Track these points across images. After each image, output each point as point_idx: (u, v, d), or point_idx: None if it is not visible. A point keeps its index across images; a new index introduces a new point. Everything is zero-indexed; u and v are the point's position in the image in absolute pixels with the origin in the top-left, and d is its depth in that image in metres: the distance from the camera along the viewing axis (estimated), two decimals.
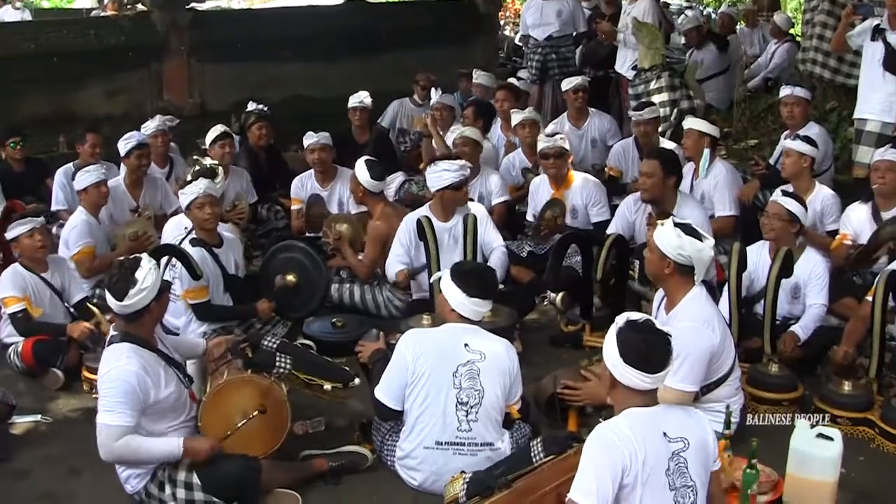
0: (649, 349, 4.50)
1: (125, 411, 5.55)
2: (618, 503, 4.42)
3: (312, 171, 10.57)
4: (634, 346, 4.51)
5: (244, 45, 14.42)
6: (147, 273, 5.74)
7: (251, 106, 12.00)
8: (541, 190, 9.91)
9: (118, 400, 5.56)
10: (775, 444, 6.11)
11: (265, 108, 11.91)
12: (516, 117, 11.11)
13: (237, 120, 12.39)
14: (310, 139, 10.45)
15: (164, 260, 7.56)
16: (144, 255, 5.96)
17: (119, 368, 5.64)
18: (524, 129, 10.93)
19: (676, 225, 6.11)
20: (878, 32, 9.66)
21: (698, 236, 6.09)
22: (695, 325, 6.06)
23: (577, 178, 9.83)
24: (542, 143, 9.79)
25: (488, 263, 8.25)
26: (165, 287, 6.02)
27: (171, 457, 5.72)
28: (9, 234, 8.14)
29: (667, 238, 6.08)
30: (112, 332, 6.02)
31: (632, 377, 4.51)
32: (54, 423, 7.25)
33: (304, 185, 10.57)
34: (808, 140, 8.88)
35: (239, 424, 5.88)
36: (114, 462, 5.72)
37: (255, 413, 5.91)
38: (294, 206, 10.60)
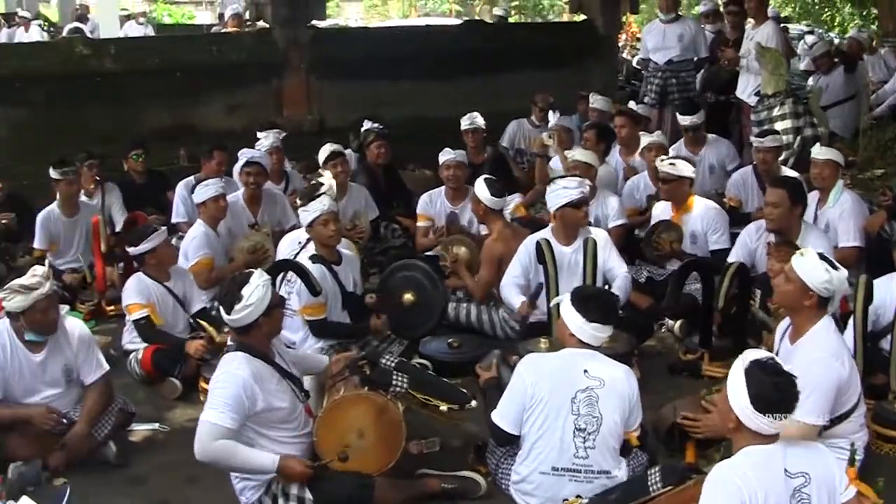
0: (781, 395, 4.44)
1: (228, 413, 5.62)
2: None
3: (443, 188, 10.60)
4: (766, 392, 4.44)
5: (362, 63, 14.57)
6: (254, 289, 5.82)
7: (367, 124, 12.06)
8: (663, 216, 9.77)
9: (224, 401, 5.65)
10: None
11: (383, 127, 11.95)
12: (644, 140, 11.08)
13: (355, 137, 12.46)
14: (446, 155, 10.50)
15: (280, 276, 7.62)
16: (257, 271, 6.02)
17: (229, 373, 5.75)
18: (650, 153, 10.83)
19: (822, 257, 6.02)
20: None
21: (835, 267, 5.98)
22: (824, 356, 5.96)
23: (699, 203, 9.70)
24: (660, 167, 9.69)
25: (612, 288, 8.20)
26: (277, 303, 6.06)
27: (265, 471, 5.76)
28: (145, 246, 8.22)
29: (813, 271, 5.97)
30: (229, 342, 6.07)
31: (760, 423, 4.45)
32: (171, 431, 7.37)
33: (433, 202, 10.60)
34: None
35: (330, 460, 5.88)
36: (206, 461, 5.74)
37: (339, 457, 5.89)
38: (420, 223, 10.63)
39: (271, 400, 5.82)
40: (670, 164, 9.61)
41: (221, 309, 5.95)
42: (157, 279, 8.27)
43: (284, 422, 5.93)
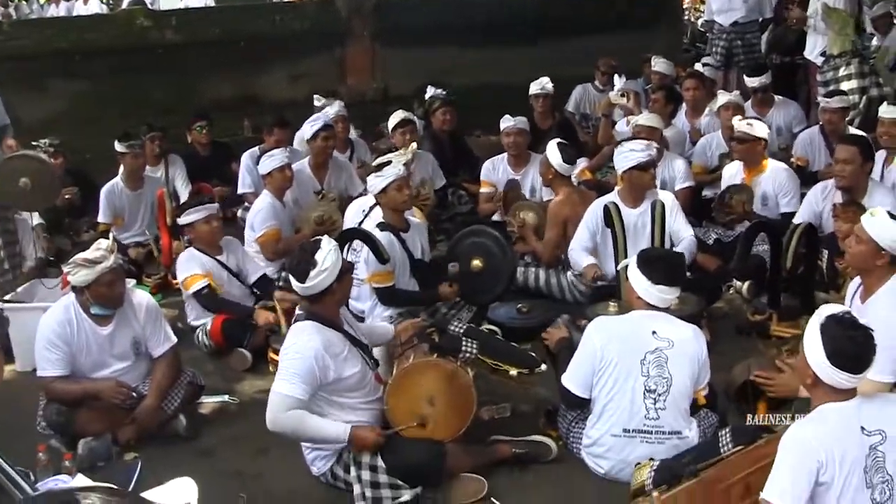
0: (859, 350, 4.40)
1: (299, 384, 5.67)
2: (813, 501, 4.34)
3: (505, 154, 10.60)
4: (843, 346, 4.41)
5: (426, 31, 14.52)
6: (327, 254, 5.85)
7: (431, 91, 12.08)
8: (735, 177, 9.72)
9: (295, 372, 5.69)
10: None
11: (449, 93, 11.95)
12: (721, 99, 11.02)
13: (420, 105, 12.48)
14: (507, 122, 10.48)
15: (346, 245, 7.66)
16: (325, 237, 6.06)
17: (301, 344, 5.79)
18: (728, 112, 10.72)
19: (891, 216, 5.99)
20: None
21: None
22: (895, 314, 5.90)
23: (771, 165, 9.61)
24: (737, 126, 9.63)
25: (678, 248, 8.22)
26: (347, 269, 6.11)
27: (337, 440, 5.81)
28: (184, 220, 8.35)
29: (885, 230, 5.96)
30: (298, 312, 6.12)
31: (839, 378, 4.42)
32: (241, 403, 7.43)
33: (495, 168, 10.61)
34: None
35: (403, 427, 5.92)
36: (278, 432, 5.80)
37: (415, 423, 5.94)
38: (483, 189, 10.66)
39: (342, 368, 5.87)
40: (748, 123, 9.56)
41: (292, 279, 5.97)
42: (207, 252, 8.32)
43: (355, 389, 5.98)
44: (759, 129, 9.53)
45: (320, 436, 5.84)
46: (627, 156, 8.33)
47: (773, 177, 9.51)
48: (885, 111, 9.52)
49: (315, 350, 5.75)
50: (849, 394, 4.47)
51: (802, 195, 9.24)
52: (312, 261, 5.83)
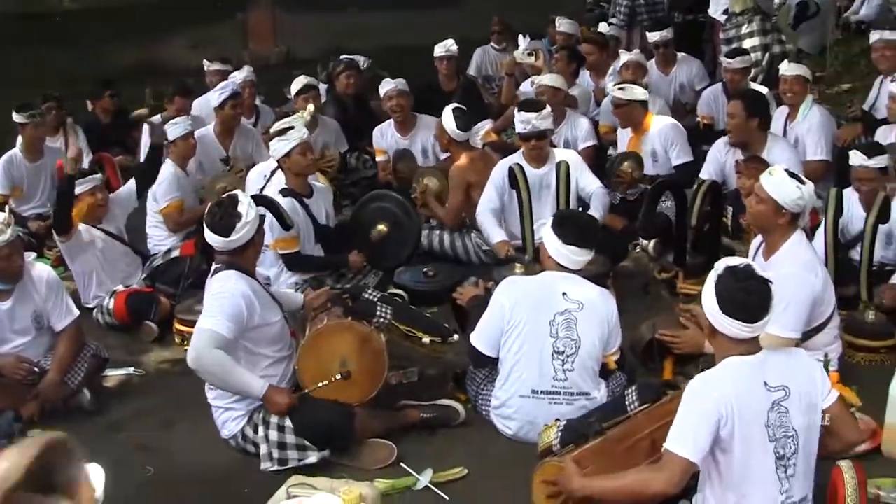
0: (749, 298, 4.39)
1: (225, 322, 5.63)
2: (715, 456, 4.39)
3: (392, 120, 10.55)
4: (733, 295, 4.41)
5: None
6: (247, 207, 5.88)
7: (365, 63, 12.04)
8: (625, 136, 9.81)
9: (223, 310, 5.67)
10: (873, 392, 6.06)
11: (356, 58, 11.90)
12: (623, 58, 11.08)
13: (324, 69, 12.38)
14: (386, 86, 10.44)
15: None
16: (238, 191, 6.10)
17: (229, 285, 5.79)
18: (627, 71, 10.82)
19: (790, 174, 6.04)
20: None
21: (802, 181, 6.02)
22: (798, 271, 6.00)
23: (656, 122, 9.67)
24: (611, 93, 9.73)
25: (591, 204, 8.32)
26: (261, 220, 6.12)
27: (251, 394, 5.77)
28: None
29: (784, 188, 5.99)
30: (215, 265, 6.06)
31: (730, 327, 4.42)
32: (146, 375, 7.34)
33: (384, 135, 10.58)
34: None
35: (320, 385, 5.88)
36: (198, 369, 5.72)
37: (338, 377, 5.90)
38: (379, 158, 10.62)
39: (267, 314, 5.87)
40: (620, 88, 9.60)
41: (214, 236, 5.90)
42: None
43: (274, 341, 5.98)
44: (636, 93, 9.57)
45: (237, 385, 5.76)
46: (520, 126, 8.37)
47: (659, 133, 9.58)
48: (785, 68, 9.64)
49: (243, 292, 5.75)
50: (751, 347, 4.48)
51: (706, 153, 9.29)
52: (236, 213, 5.82)
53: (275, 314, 5.97)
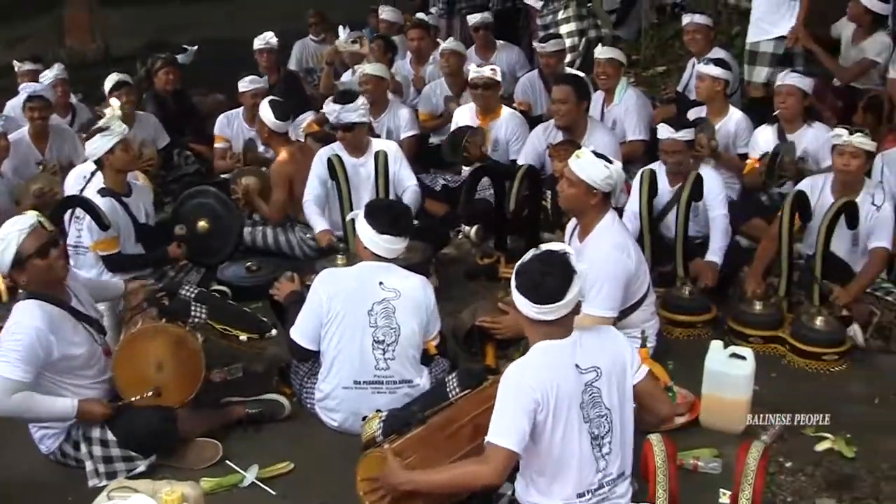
0: (542, 280, 4.46)
1: (21, 366, 5.43)
2: (534, 438, 4.45)
3: (241, 109, 10.48)
4: (528, 276, 4.51)
5: None
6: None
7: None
8: (465, 120, 9.81)
9: (17, 355, 5.44)
10: (691, 365, 6.24)
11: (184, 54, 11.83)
12: (444, 46, 11.12)
13: (143, 65, 12.20)
14: (247, 85, 10.35)
15: (68, 213, 7.48)
16: (23, 217, 5.76)
17: (21, 324, 5.52)
18: (444, 59, 10.91)
19: (596, 155, 6.16)
20: None
21: (609, 160, 6.16)
22: (611, 250, 6.15)
23: (505, 112, 9.79)
24: (472, 73, 9.76)
25: (402, 198, 8.30)
26: (31, 254, 5.63)
27: (66, 417, 5.65)
28: None
29: (592, 169, 6.09)
30: (20, 291, 5.91)
31: (524, 307, 4.52)
32: None
33: (230, 123, 10.49)
34: (720, 63, 8.98)
35: (133, 399, 5.79)
36: (4, 416, 5.59)
37: (149, 393, 5.81)
38: (218, 145, 10.51)
39: (67, 348, 5.65)
40: (491, 69, 9.70)
41: None
42: None
43: (83, 368, 5.78)
44: (497, 74, 9.69)
45: (49, 414, 5.64)
46: (330, 116, 8.44)
47: (506, 123, 9.69)
48: (599, 52, 9.88)
49: (36, 328, 5.50)
50: (561, 330, 4.56)
51: None
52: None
53: (77, 346, 5.71)
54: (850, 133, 7.03)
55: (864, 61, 9.73)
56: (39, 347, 5.49)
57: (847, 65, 9.96)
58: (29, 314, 5.56)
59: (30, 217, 5.75)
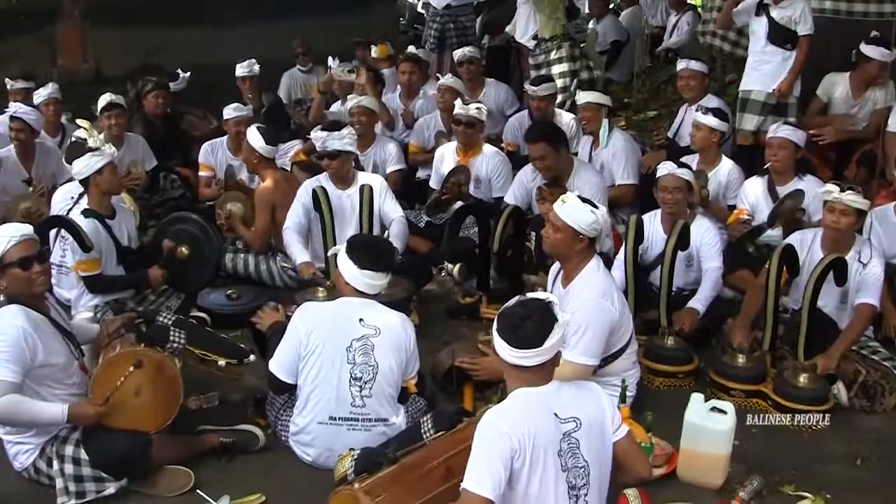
0: (523, 324, 4.42)
1: (9, 366, 5.45)
2: (510, 484, 4.38)
3: (225, 138, 10.44)
4: (509, 320, 4.46)
5: (138, 9, 14.16)
6: None
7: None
8: (446, 158, 9.91)
9: (4, 355, 5.46)
10: (670, 416, 6.15)
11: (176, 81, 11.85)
12: (442, 81, 11.14)
13: (133, 86, 12.17)
14: (231, 112, 10.32)
15: (54, 233, 7.44)
16: (25, 226, 5.83)
17: (7, 324, 5.53)
18: (441, 94, 10.91)
19: (582, 200, 6.14)
20: (762, 8, 9.69)
21: (595, 205, 6.15)
22: (594, 298, 6.10)
23: (487, 150, 9.82)
24: (457, 109, 9.78)
25: (388, 234, 8.26)
26: (8, 264, 5.71)
27: (56, 421, 5.63)
28: None
29: (579, 214, 6.09)
30: (0, 297, 5.87)
31: (503, 350, 4.47)
32: None
33: (214, 152, 10.44)
34: (718, 114, 8.98)
35: (120, 381, 5.73)
36: None
37: (133, 368, 5.77)
38: (202, 173, 10.48)
39: (48, 355, 5.64)
40: (477, 108, 9.73)
41: None
42: None
43: (60, 380, 5.76)
44: (484, 112, 9.74)
45: (38, 418, 5.61)
46: (318, 143, 8.40)
47: (488, 160, 9.72)
48: (579, 97, 9.96)
49: (22, 329, 5.52)
50: (540, 378, 4.51)
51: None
52: None
53: (57, 355, 5.73)
54: (842, 190, 7.01)
55: (882, 110, 9.77)
56: (26, 347, 5.51)
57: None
58: (11, 316, 5.59)
59: (26, 227, 5.83)
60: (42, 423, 5.67)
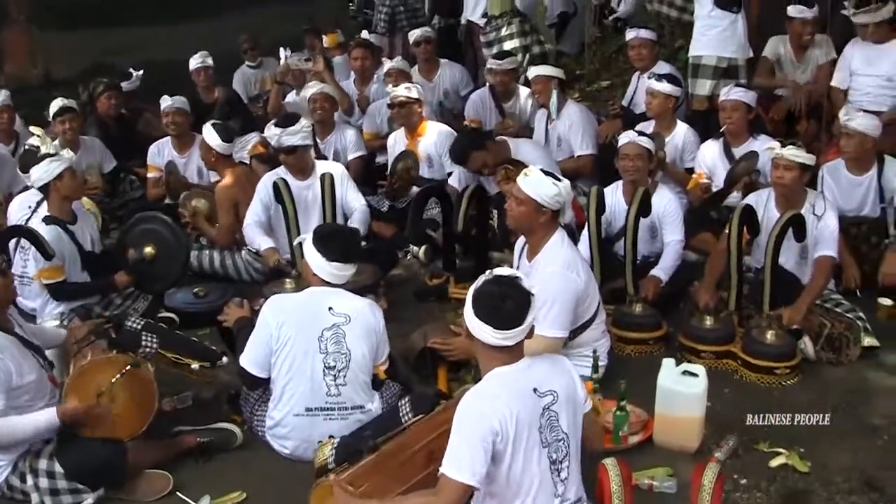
0: (503, 304, 4.42)
1: None
2: (493, 465, 4.40)
3: (169, 137, 10.32)
4: (488, 301, 4.45)
5: (85, 10, 14.04)
6: None
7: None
8: (398, 143, 9.94)
9: None
10: (643, 383, 6.19)
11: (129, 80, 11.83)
12: (386, 65, 11.16)
13: (85, 89, 12.09)
14: (164, 103, 10.23)
15: (14, 243, 7.40)
16: None
17: None
18: (391, 78, 10.85)
19: (545, 173, 6.17)
20: None
21: (558, 178, 6.19)
22: (560, 270, 6.15)
23: (431, 128, 9.85)
24: (393, 91, 9.83)
25: (350, 224, 8.25)
26: None
27: (51, 427, 5.58)
28: None
29: (543, 188, 6.12)
30: None
31: (482, 332, 4.46)
32: None
33: (160, 152, 10.33)
34: (671, 79, 9.05)
35: (113, 380, 5.75)
36: None
37: (128, 367, 5.80)
38: (150, 175, 10.37)
39: (20, 377, 5.58)
40: (406, 87, 9.74)
41: None
42: None
43: (35, 397, 5.70)
44: (415, 91, 9.76)
45: (34, 431, 5.57)
46: (273, 139, 8.41)
47: (435, 139, 9.76)
48: (529, 71, 10.02)
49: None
50: (513, 355, 4.53)
51: None
52: None
53: (28, 373, 5.66)
54: (783, 145, 7.11)
55: (825, 66, 9.85)
56: (2, 373, 5.45)
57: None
58: None
59: None
60: (38, 435, 5.62)
